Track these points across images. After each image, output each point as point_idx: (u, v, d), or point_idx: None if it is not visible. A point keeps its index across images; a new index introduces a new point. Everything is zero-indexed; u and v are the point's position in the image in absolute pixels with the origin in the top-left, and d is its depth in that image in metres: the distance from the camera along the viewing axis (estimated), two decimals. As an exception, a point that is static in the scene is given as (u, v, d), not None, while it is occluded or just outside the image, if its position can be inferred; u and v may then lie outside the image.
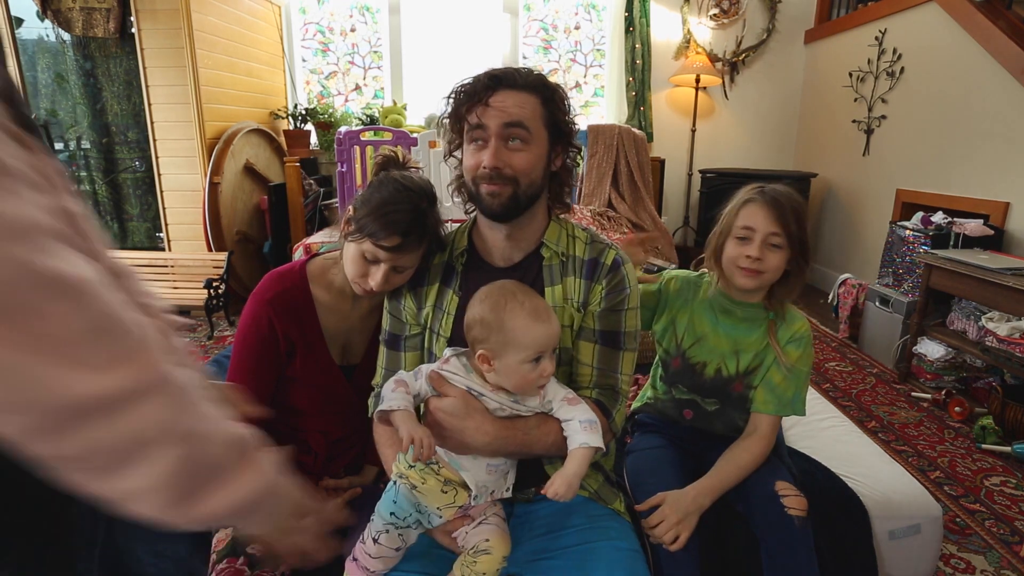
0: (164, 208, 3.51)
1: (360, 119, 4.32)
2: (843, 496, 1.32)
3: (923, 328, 2.64)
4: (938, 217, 2.85)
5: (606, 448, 1.13)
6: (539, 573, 1.01)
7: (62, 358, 0.43)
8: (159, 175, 3.45)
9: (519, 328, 0.91)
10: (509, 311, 0.92)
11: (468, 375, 0.97)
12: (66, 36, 3.29)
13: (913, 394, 2.57)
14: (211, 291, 3.18)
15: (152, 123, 3.36)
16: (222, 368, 1.35)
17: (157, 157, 3.41)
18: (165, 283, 3.37)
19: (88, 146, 3.46)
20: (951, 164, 3.05)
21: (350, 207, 1.12)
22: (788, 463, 1.28)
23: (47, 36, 3.32)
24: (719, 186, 4.12)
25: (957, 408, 2.34)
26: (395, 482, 0.99)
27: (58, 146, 3.47)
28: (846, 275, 3.38)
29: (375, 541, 0.94)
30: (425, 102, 4.43)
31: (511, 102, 0.97)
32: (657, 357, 1.36)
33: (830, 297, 3.46)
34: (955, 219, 2.76)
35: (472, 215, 1.11)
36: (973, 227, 2.64)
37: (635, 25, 4.29)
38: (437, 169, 3.48)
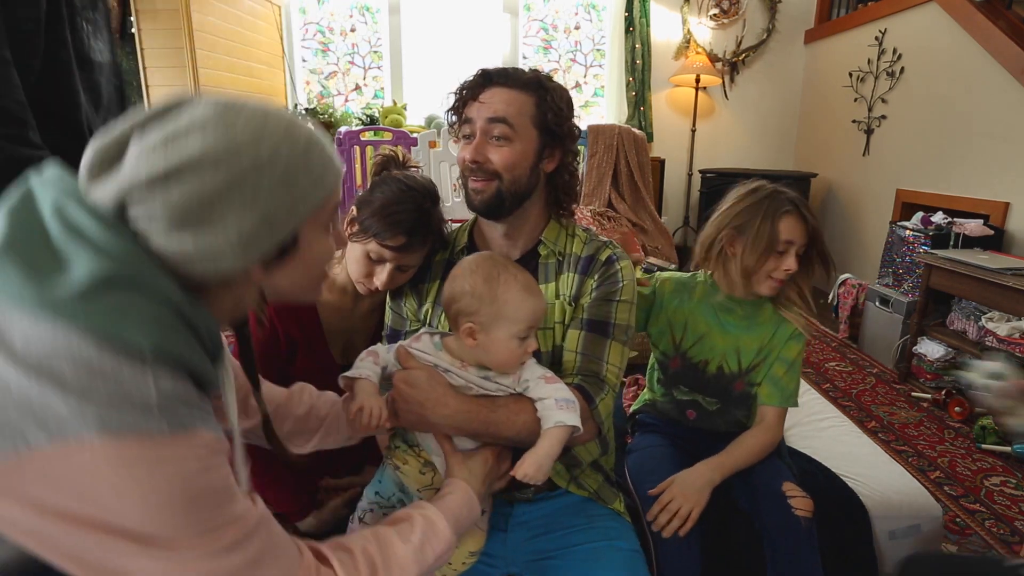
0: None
1: (360, 119, 4.32)
2: (843, 496, 1.32)
3: (923, 328, 2.64)
4: (938, 217, 2.85)
5: (606, 448, 1.14)
6: (539, 573, 1.01)
7: None
8: (159, 175, 3.45)
9: (513, 301, 0.89)
10: (504, 283, 0.89)
11: (437, 353, 0.94)
12: (66, 36, 3.29)
13: (913, 394, 2.57)
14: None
15: (152, 123, 3.35)
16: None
17: (157, 157, 3.41)
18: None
19: (88, 146, 3.46)
20: (951, 164, 3.05)
21: (352, 207, 1.12)
22: (788, 463, 1.29)
23: (47, 36, 3.32)
24: (719, 186, 4.12)
25: (957, 408, 2.34)
26: (384, 462, 1.00)
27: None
28: (846, 275, 3.38)
29: (360, 520, 0.95)
30: (425, 102, 4.43)
31: (499, 98, 0.98)
32: (653, 360, 1.36)
33: (830, 297, 3.46)
34: (955, 219, 2.76)
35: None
36: (973, 227, 2.64)
37: (635, 25, 4.29)
38: (437, 169, 3.48)
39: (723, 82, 4.48)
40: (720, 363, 1.24)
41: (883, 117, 3.60)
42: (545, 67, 4.53)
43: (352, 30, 4.43)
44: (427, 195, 1.09)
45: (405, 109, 4.31)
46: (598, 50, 4.57)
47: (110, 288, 0.52)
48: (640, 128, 4.32)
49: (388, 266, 1.06)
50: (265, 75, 4.15)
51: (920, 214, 2.96)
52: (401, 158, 1.18)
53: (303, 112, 4.18)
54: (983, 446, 2.12)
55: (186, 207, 0.54)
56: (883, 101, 3.59)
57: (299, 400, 0.96)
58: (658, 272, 1.38)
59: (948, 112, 3.07)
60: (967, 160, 2.95)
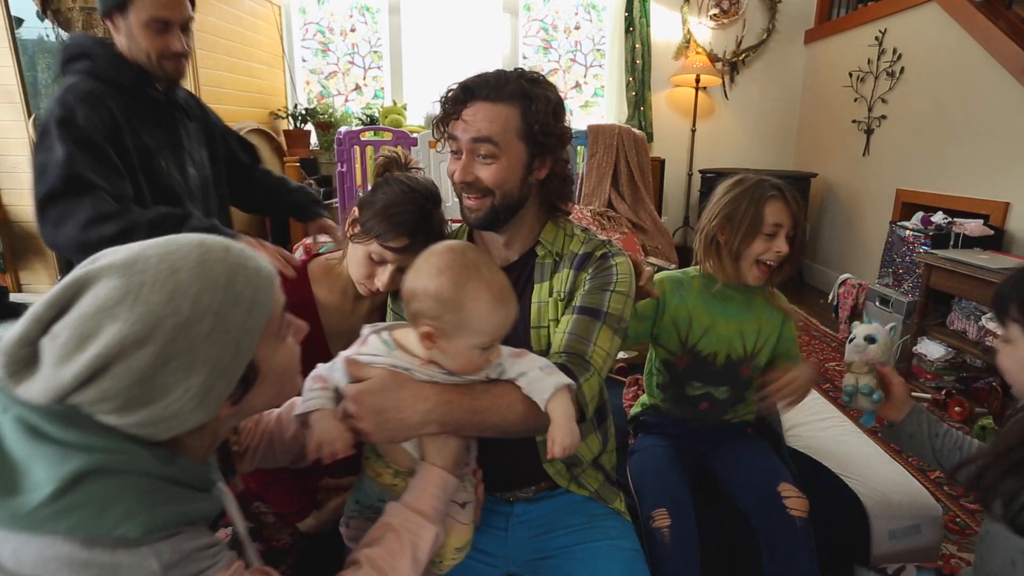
0: (164, 208, 3.50)
1: (360, 119, 4.32)
2: (843, 496, 1.32)
3: (923, 328, 2.64)
4: (938, 217, 2.85)
5: (606, 444, 1.13)
6: (539, 573, 1.01)
7: None
8: (159, 175, 3.44)
9: (481, 312, 0.80)
10: (473, 291, 0.80)
11: (391, 352, 0.86)
12: (66, 36, 3.29)
13: (913, 394, 2.55)
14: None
15: (152, 123, 3.35)
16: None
17: (157, 157, 3.40)
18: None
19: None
20: (951, 164, 3.05)
21: (354, 208, 1.12)
22: (789, 463, 1.29)
23: (47, 36, 3.32)
24: (719, 186, 4.11)
25: (957, 408, 2.34)
26: (361, 473, 0.97)
27: (58, 146, 3.46)
28: (846, 275, 3.38)
29: (347, 526, 0.94)
30: (425, 102, 4.43)
31: (481, 116, 0.95)
32: (653, 365, 1.35)
33: (830, 297, 3.46)
34: (955, 219, 2.76)
35: None
36: (973, 227, 2.64)
37: (635, 25, 4.29)
38: (437, 169, 3.48)
39: (723, 82, 4.48)
40: (728, 351, 1.26)
41: (883, 117, 3.60)
42: (545, 67, 4.53)
43: (352, 30, 4.43)
44: (429, 196, 1.09)
45: (405, 109, 4.31)
46: (598, 50, 4.57)
47: (79, 483, 0.51)
48: (640, 128, 4.32)
49: (390, 267, 1.07)
50: (265, 75, 4.15)
51: (920, 214, 2.96)
52: (403, 159, 1.18)
53: (303, 112, 4.17)
54: (983, 446, 2.12)
55: (127, 392, 0.53)
56: (883, 101, 3.59)
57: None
58: (656, 273, 1.38)
59: (948, 112, 3.07)
60: (967, 160, 2.95)
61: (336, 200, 3.71)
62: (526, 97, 0.96)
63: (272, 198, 1.73)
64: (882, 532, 1.30)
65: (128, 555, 0.51)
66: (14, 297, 3.33)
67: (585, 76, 4.62)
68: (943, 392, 2.47)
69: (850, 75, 3.86)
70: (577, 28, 4.54)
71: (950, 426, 1.11)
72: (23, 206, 3.21)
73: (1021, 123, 2.61)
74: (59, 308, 0.54)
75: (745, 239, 1.19)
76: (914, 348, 2.67)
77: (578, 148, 3.84)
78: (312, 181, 3.85)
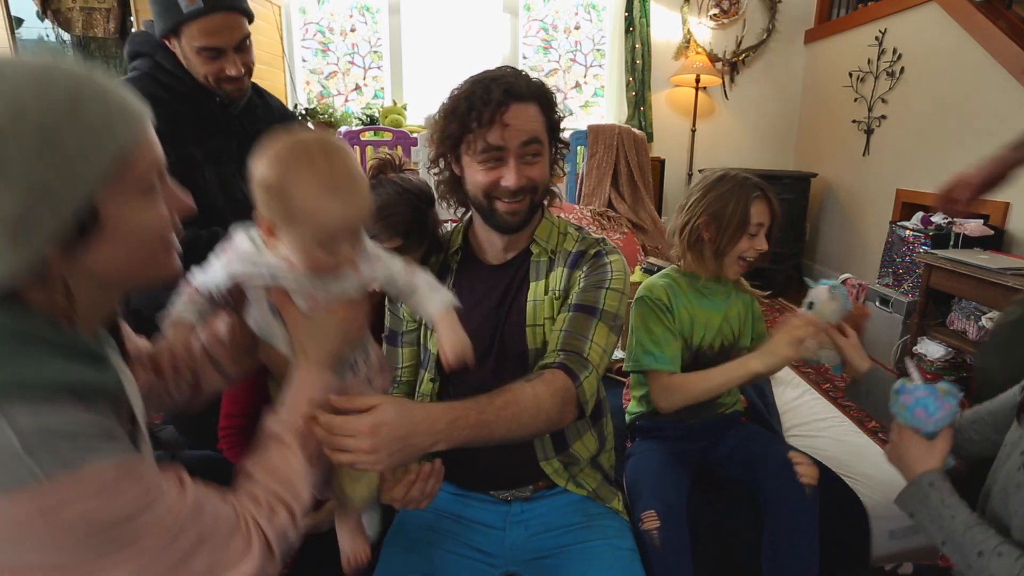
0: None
1: (360, 119, 4.32)
2: (843, 496, 1.32)
3: (923, 328, 2.64)
4: (938, 217, 2.85)
5: (603, 443, 1.13)
6: (537, 572, 1.01)
7: None
8: (159, 175, 3.44)
9: (308, 202, 0.71)
10: (297, 177, 0.71)
11: (260, 254, 0.78)
12: (66, 36, 3.29)
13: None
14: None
15: (152, 123, 3.35)
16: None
17: (157, 157, 3.40)
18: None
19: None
20: (951, 164, 3.05)
21: None
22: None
23: (47, 36, 3.32)
24: (719, 186, 4.11)
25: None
26: None
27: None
28: (846, 275, 3.34)
29: None
30: (425, 102, 4.43)
31: (524, 117, 0.95)
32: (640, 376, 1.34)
33: (830, 297, 3.46)
34: (955, 219, 2.76)
35: (467, 216, 1.11)
36: (973, 227, 2.64)
37: (635, 25, 4.29)
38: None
39: (723, 82, 4.48)
40: (721, 340, 1.30)
41: (883, 117, 3.60)
42: (545, 67, 4.53)
43: (352, 30, 4.43)
44: (422, 197, 1.09)
45: (405, 109, 4.31)
46: (598, 50, 4.57)
47: None
48: (640, 128, 4.32)
49: None
50: (265, 75, 4.15)
51: (920, 214, 2.96)
52: (397, 161, 1.19)
53: (303, 112, 4.18)
54: (983, 446, 2.12)
55: None
56: (883, 101, 3.59)
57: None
58: (648, 277, 1.39)
59: (948, 112, 3.07)
60: (967, 160, 2.91)
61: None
62: (544, 93, 1.00)
63: None
64: (882, 532, 1.30)
65: None
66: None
67: (585, 76, 4.62)
68: (943, 392, 2.47)
69: (850, 75, 3.85)
70: (577, 28, 4.54)
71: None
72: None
73: (1021, 123, 2.60)
74: None
75: (732, 239, 1.22)
76: (914, 348, 2.66)
77: (578, 148, 3.84)
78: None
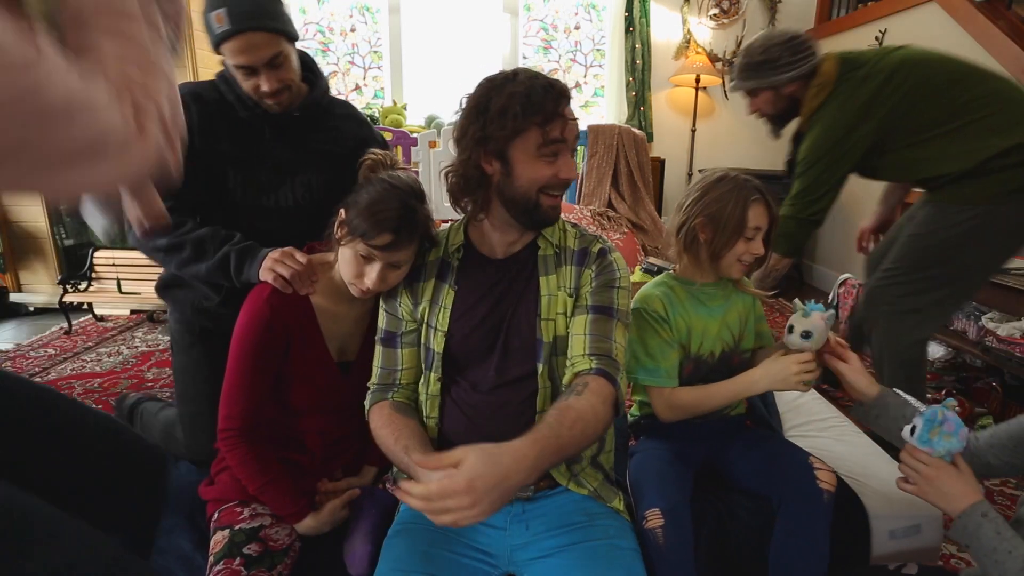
0: (164, 208, 3.50)
1: (360, 119, 4.32)
2: (843, 496, 1.32)
3: (923, 328, 2.64)
4: (938, 217, 2.84)
5: (603, 444, 1.13)
6: (538, 572, 1.01)
7: None
8: (159, 175, 3.44)
9: None
10: None
11: None
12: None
13: (913, 394, 2.56)
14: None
15: (152, 123, 3.35)
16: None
17: (157, 157, 3.40)
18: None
19: (88, 146, 3.45)
20: (951, 164, 3.04)
21: (341, 211, 1.13)
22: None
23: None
24: (719, 186, 4.11)
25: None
26: None
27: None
28: (846, 275, 3.37)
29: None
30: (425, 102, 4.43)
31: (573, 114, 1.03)
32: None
33: (830, 297, 3.45)
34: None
35: (467, 214, 1.11)
36: (973, 227, 2.64)
37: (635, 25, 4.29)
38: (438, 168, 3.47)
39: (723, 82, 4.47)
40: (721, 347, 1.28)
41: (883, 117, 3.59)
42: (545, 67, 4.53)
43: (352, 30, 4.43)
44: (412, 193, 1.10)
45: (405, 109, 4.31)
46: (598, 50, 4.57)
47: None
48: (640, 128, 4.32)
49: (377, 265, 1.08)
50: (265, 75, 4.15)
51: (920, 214, 2.96)
52: (388, 161, 1.19)
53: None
54: (983, 446, 2.12)
55: None
56: (883, 101, 3.58)
57: None
58: (648, 277, 1.39)
59: (948, 112, 3.06)
60: (967, 160, 2.94)
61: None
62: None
63: None
64: (882, 532, 1.30)
65: None
66: (14, 297, 3.33)
67: (585, 76, 4.62)
68: (943, 392, 2.47)
69: (850, 75, 3.85)
70: (577, 28, 4.54)
71: None
72: (23, 206, 3.21)
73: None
74: None
75: (728, 241, 1.21)
76: (914, 348, 2.66)
77: (578, 148, 3.84)
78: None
